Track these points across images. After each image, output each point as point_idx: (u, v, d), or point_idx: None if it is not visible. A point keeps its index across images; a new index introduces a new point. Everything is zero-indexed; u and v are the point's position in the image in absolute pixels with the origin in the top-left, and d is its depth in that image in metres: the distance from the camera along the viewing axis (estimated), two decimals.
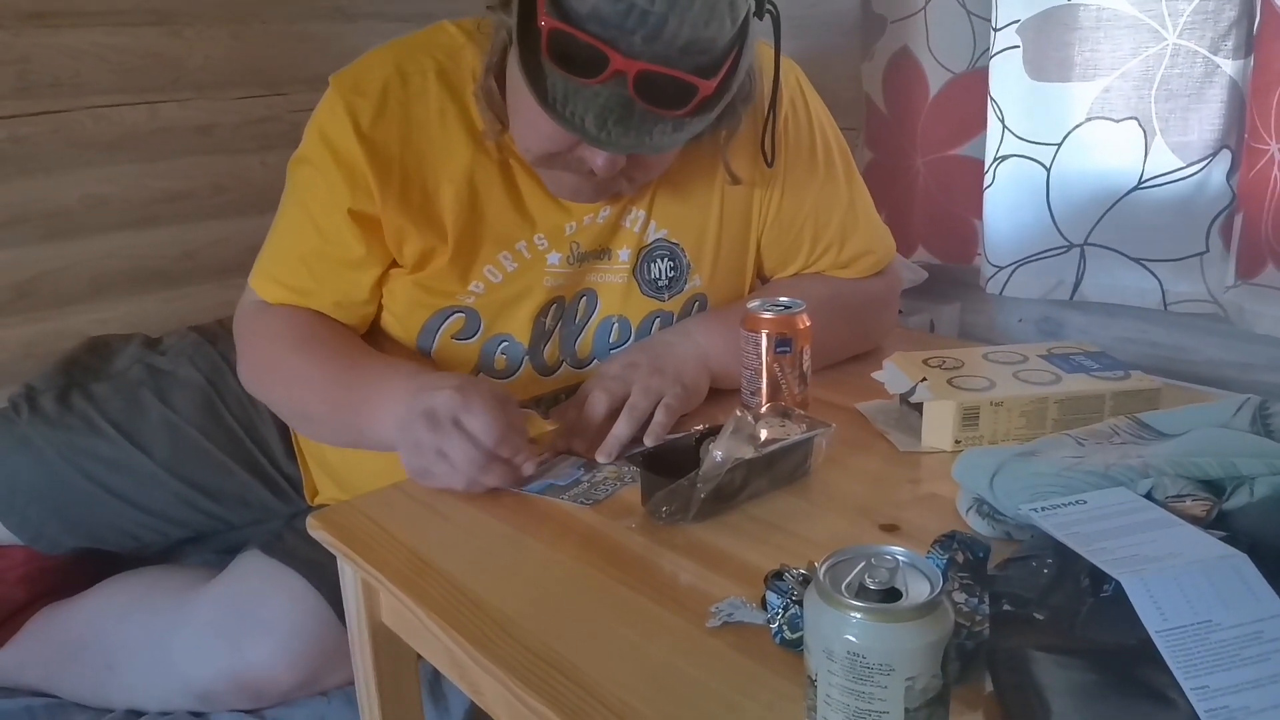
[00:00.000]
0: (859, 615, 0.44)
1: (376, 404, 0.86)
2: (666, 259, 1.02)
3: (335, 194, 0.91)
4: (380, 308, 0.99)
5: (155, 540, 1.13)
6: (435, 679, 1.02)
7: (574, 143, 0.84)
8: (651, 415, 0.90)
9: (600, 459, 0.87)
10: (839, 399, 0.99)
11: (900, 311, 1.27)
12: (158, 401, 1.10)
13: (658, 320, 1.04)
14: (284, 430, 1.12)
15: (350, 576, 0.81)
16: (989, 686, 0.56)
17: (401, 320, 0.98)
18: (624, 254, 1.00)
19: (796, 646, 0.59)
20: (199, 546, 1.17)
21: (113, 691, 1.00)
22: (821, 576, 0.47)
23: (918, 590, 0.46)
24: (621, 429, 0.88)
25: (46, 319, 1.44)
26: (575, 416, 0.92)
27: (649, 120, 0.80)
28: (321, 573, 0.95)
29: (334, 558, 0.81)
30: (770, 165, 0.98)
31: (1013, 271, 1.35)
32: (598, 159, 0.83)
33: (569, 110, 0.79)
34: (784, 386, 0.93)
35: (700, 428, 0.84)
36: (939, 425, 0.88)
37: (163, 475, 1.08)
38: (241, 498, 1.11)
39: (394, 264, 0.96)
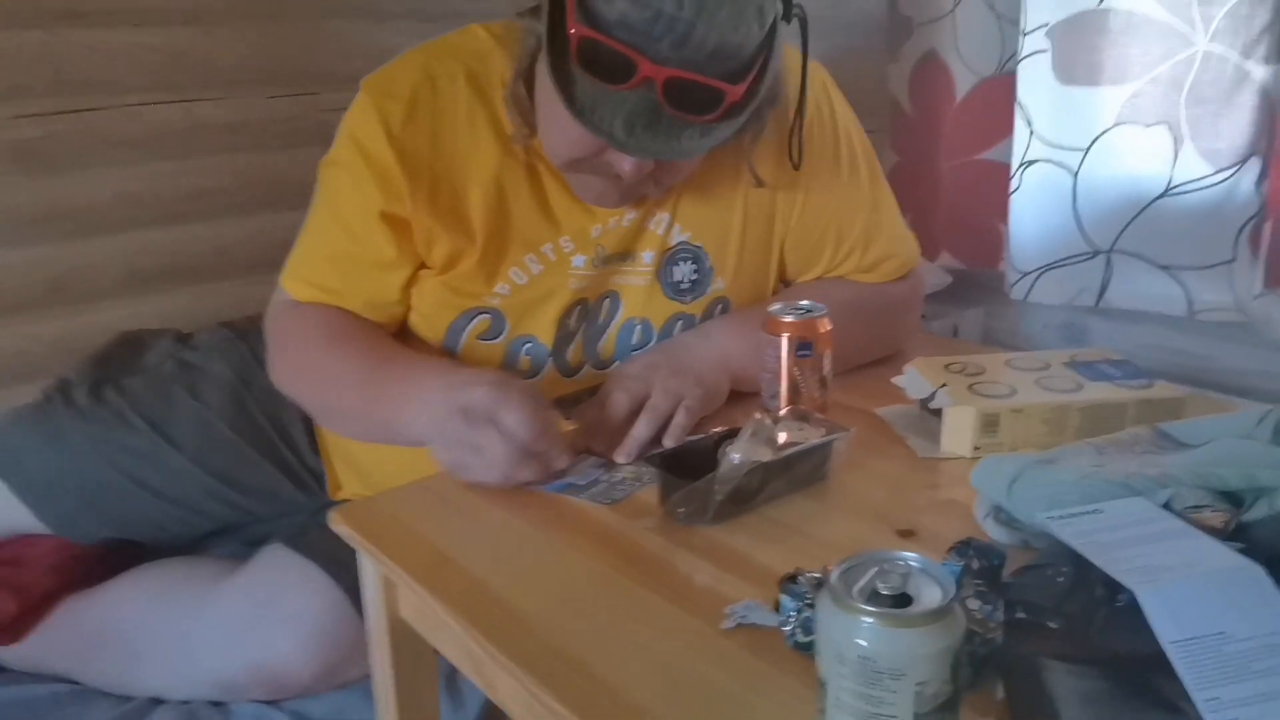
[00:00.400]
0: (870, 620, 0.44)
1: (409, 401, 0.87)
2: (690, 262, 1.02)
3: (367, 197, 0.92)
4: (408, 308, 1.00)
5: (182, 532, 1.15)
6: (452, 675, 1.03)
7: (601, 148, 0.84)
8: (671, 416, 0.91)
9: (619, 459, 0.88)
10: (859, 403, 0.99)
11: (923, 316, 1.26)
12: (188, 396, 1.12)
13: (680, 323, 1.04)
14: (310, 426, 1.14)
15: (370, 571, 0.82)
16: (1001, 693, 0.56)
17: (428, 320, 0.99)
18: (648, 256, 1.01)
19: (809, 649, 0.60)
20: (224, 538, 1.19)
21: (136, 680, 1.02)
22: (834, 581, 0.47)
23: (929, 596, 0.46)
24: (641, 430, 0.89)
25: (79, 314, 1.46)
26: (595, 416, 0.92)
27: (677, 126, 0.80)
28: (343, 567, 0.97)
29: (355, 553, 0.82)
30: (797, 168, 0.98)
31: (1038, 277, 1.34)
32: (625, 164, 0.84)
33: (597, 116, 0.80)
34: (804, 390, 0.93)
35: (719, 430, 0.85)
36: (959, 431, 0.88)
37: (192, 468, 1.10)
38: (268, 491, 1.13)
39: (423, 265, 0.97)
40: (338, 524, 0.81)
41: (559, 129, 0.85)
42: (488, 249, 0.95)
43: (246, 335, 1.18)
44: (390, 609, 0.82)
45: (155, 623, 1.02)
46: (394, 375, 0.91)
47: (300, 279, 1.00)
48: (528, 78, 0.89)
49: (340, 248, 0.96)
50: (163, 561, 1.12)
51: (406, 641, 0.83)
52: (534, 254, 0.97)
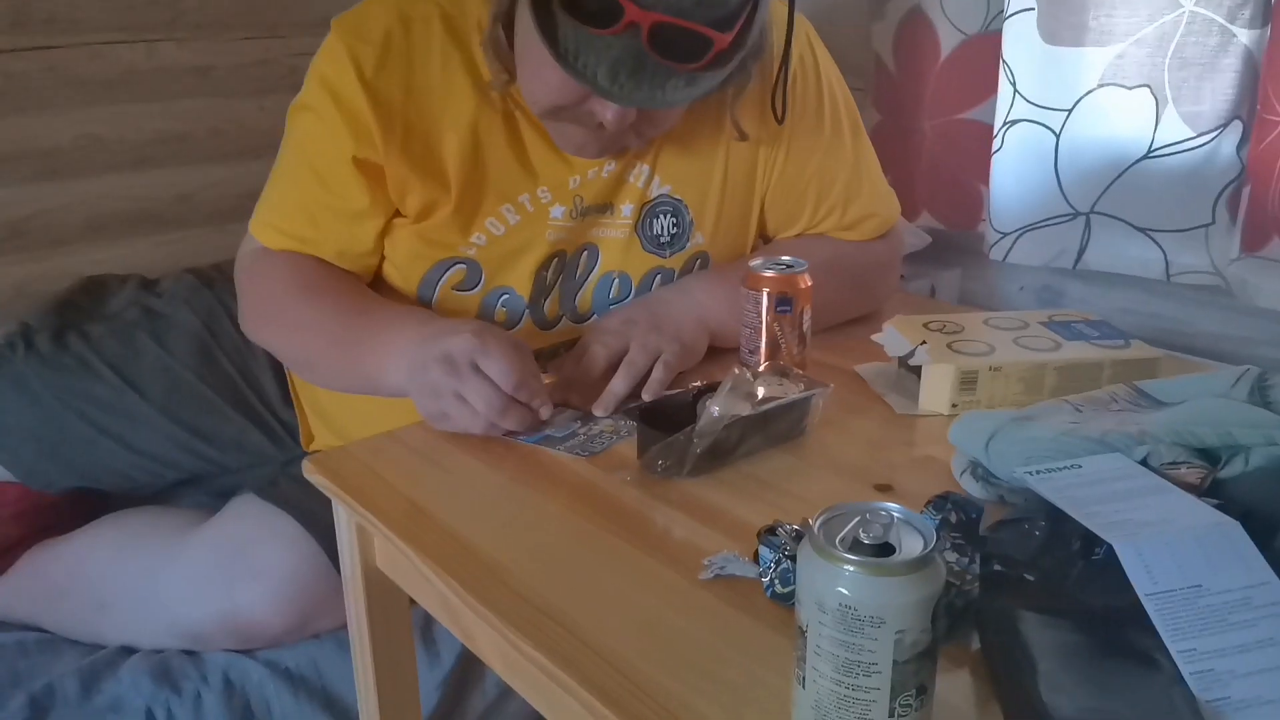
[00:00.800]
0: (852, 569, 0.44)
1: (388, 352, 0.86)
2: (669, 215, 1.01)
3: (338, 142, 0.90)
4: (382, 257, 0.98)
5: (150, 481, 1.13)
6: (427, 624, 1.03)
7: (583, 96, 0.82)
8: (649, 371, 0.90)
9: (597, 413, 0.87)
10: (838, 361, 0.99)
11: (901, 276, 1.26)
12: (154, 344, 1.10)
13: (659, 277, 1.03)
14: (280, 376, 1.12)
15: (345, 520, 0.81)
16: (976, 644, 0.56)
17: (402, 270, 0.97)
18: (626, 209, 1.00)
19: (787, 600, 0.60)
20: (193, 489, 1.17)
21: (104, 629, 1.01)
22: (816, 530, 0.47)
23: (911, 546, 0.46)
24: (619, 384, 0.88)
25: (40, 259, 1.43)
26: (573, 370, 0.91)
27: (662, 74, 0.79)
28: (314, 518, 0.96)
29: (328, 504, 0.81)
30: (781, 122, 0.97)
31: (1017, 238, 1.34)
32: (608, 112, 0.82)
33: (581, 62, 0.78)
34: (783, 346, 0.92)
35: (698, 384, 0.84)
36: (937, 389, 0.88)
37: (157, 418, 1.08)
38: (236, 442, 1.11)
39: (397, 214, 0.95)
40: (311, 473, 0.80)
41: (540, 75, 0.83)
42: (463, 199, 0.93)
43: (212, 283, 1.15)
44: (365, 558, 0.81)
45: (123, 571, 1.01)
46: (372, 326, 0.89)
47: (271, 226, 0.97)
48: (506, 22, 0.86)
49: (312, 195, 0.94)
50: (131, 510, 1.11)
51: (382, 591, 0.82)
52: (511, 204, 0.95)
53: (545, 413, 0.84)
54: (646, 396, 0.88)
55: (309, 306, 0.93)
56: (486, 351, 0.80)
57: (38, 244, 1.43)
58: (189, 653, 0.98)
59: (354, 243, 0.95)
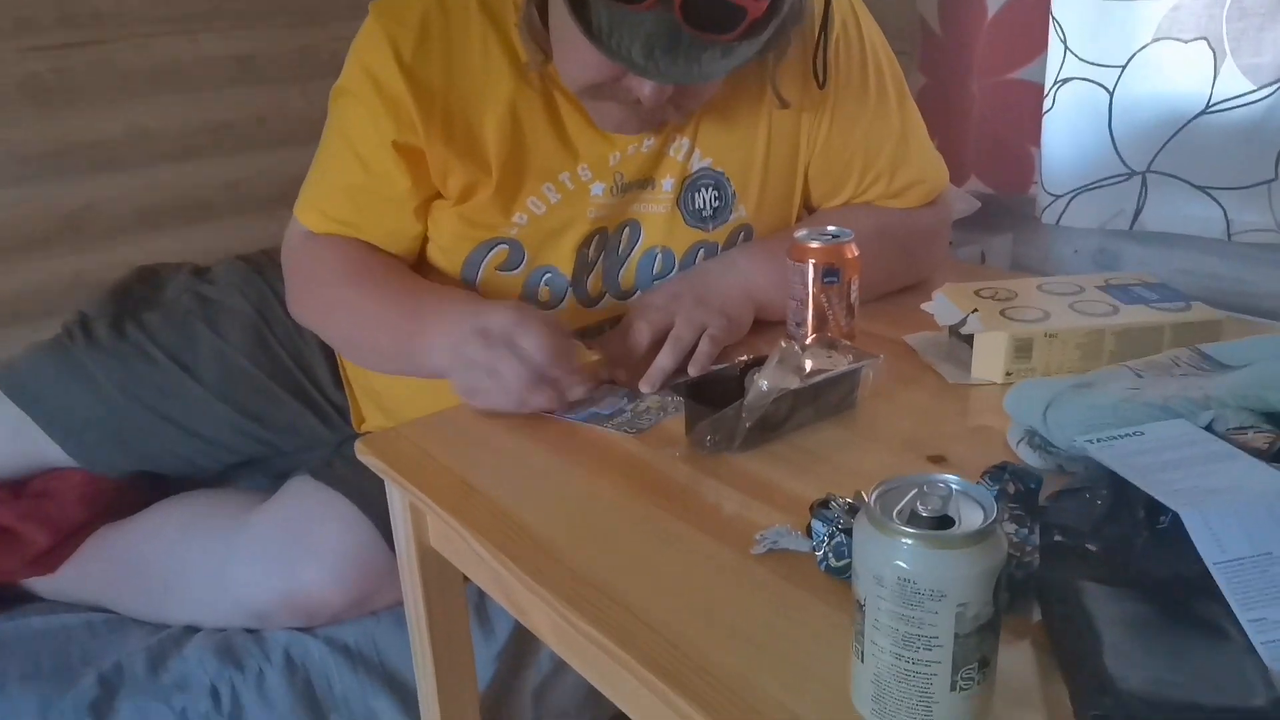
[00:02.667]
0: (910, 542, 0.44)
1: (430, 331, 0.86)
2: (711, 188, 1.00)
3: (379, 126, 0.90)
4: (425, 239, 0.99)
5: (208, 465, 1.16)
6: (481, 601, 1.04)
7: (620, 73, 0.82)
8: (695, 346, 0.90)
9: (644, 389, 0.87)
10: (887, 331, 0.98)
11: (950, 243, 1.23)
12: (208, 330, 1.12)
13: (702, 251, 1.02)
14: (331, 359, 1.14)
15: (398, 500, 0.82)
16: (1037, 616, 0.55)
17: (446, 252, 0.97)
18: (668, 184, 0.99)
19: (842, 574, 0.59)
20: (250, 471, 1.19)
21: (170, 608, 1.04)
22: (872, 503, 0.46)
23: (971, 518, 0.45)
24: (665, 359, 0.88)
25: (95, 250, 1.46)
26: (619, 347, 0.91)
27: (697, 47, 0.77)
28: (369, 498, 0.97)
29: (381, 484, 0.82)
30: (822, 87, 0.95)
31: (1070, 200, 1.30)
32: (644, 89, 0.81)
33: (614, 40, 0.77)
34: (830, 318, 0.91)
35: (745, 358, 0.83)
36: (990, 357, 0.86)
37: (214, 402, 1.10)
38: (290, 425, 1.13)
39: (438, 195, 0.95)
40: (364, 454, 0.81)
41: (575, 55, 0.83)
42: (504, 179, 0.93)
43: (263, 270, 1.17)
44: (419, 537, 0.82)
45: (186, 553, 1.03)
46: (415, 306, 0.90)
47: (316, 210, 0.98)
48: (540, 2, 0.86)
49: (355, 179, 0.94)
50: (192, 493, 1.13)
51: (436, 569, 0.83)
52: (552, 183, 0.95)
53: (578, 394, 0.84)
54: (693, 371, 0.88)
55: (353, 290, 0.94)
56: (525, 327, 0.80)
57: (92, 235, 1.46)
58: (251, 631, 1.00)
59: (398, 225, 0.96)
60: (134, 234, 1.50)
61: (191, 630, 1.02)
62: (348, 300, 0.95)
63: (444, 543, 0.81)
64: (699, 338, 0.90)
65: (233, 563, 1.00)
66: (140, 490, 1.15)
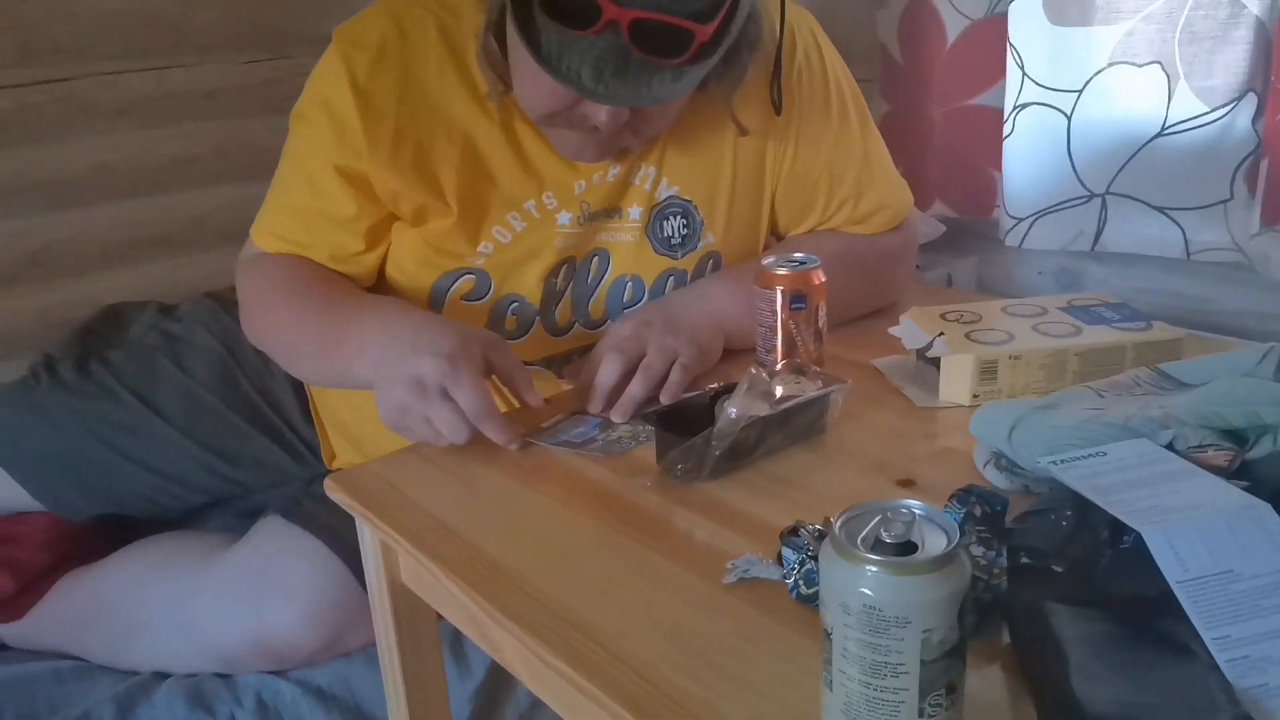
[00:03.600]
0: (875, 569, 0.44)
1: (354, 342, 0.86)
2: (679, 216, 1.01)
3: (325, 150, 0.91)
4: (386, 263, 0.99)
5: (175, 505, 1.14)
6: (456, 638, 1.03)
7: (574, 99, 0.82)
8: (666, 375, 0.90)
9: (615, 418, 0.87)
10: (855, 355, 0.98)
11: (917, 266, 1.25)
12: (174, 367, 1.11)
13: (671, 279, 1.03)
14: (301, 394, 1.13)
15: (369, 538, 0.81)
16: (1006, 639, 0.56)
17: (412, 279, 0.98)
18: (635, 212, 0.99)
19: (813, 601, 0.59)
20: (218, 511, 1.18)
21: (137, 655, 1.01)
22: (837, 531, 0.46)
23: (934, 543, 0.45)
24: (636, 388, 0.88)
25: (59, 288, 1.44)
26: (590, 376, 0.91)
27: (647, 71, 0.78)
28: (340, 537, 0.96)
29: (352, 522, 0.81)
30: (779, 114, 0.96)
31: (1032, 223, 1.32)
32: (600, 114, 0.82)
33: (565, 65, 0.77)
34: (799, 343, 0.92)
35: (715, 385, 0.84)
36: (956, 379, 0.87)
37: (181, 440, 1.09)
38: (259, 461, 1.12)
39: (393, 219, 0.96)
40: (333, 490, 0.80)
41: (530, 81, 0.83)
42: (467, 210, 0.93)
43: (230, 306, 1.16)
44: (390, 575, 0.81)
45: (154, 596, 1.01)
46: (342, 315, 0.90)
47: (267, 230, 0.99)
48: (498, 31, 0.86)
49: (303, 201, 0.95)
50: (159, 536, 1.11)
51: (408, 607, 0.83)
52: (516, 212, 0.95)
53: (513, 446, 0.83)
54: (664, 400, 0.88)
55: (291, 302, 0.94)
56: (458, 381, 0.78)
57: (56, 273, 1.44)
58: (222, 675, 0.99)
59: (344, 246, 0.97)
60: (99, 270, 1.48)
61: (161, 676, 0.99)
62: (284, 311, 0.95)
63: (416, 579, 0.80)
64: (670, 366, 0.90)
65: (199, 606, 0.99)
66: (106, 535, 1.13)
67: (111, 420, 1.08)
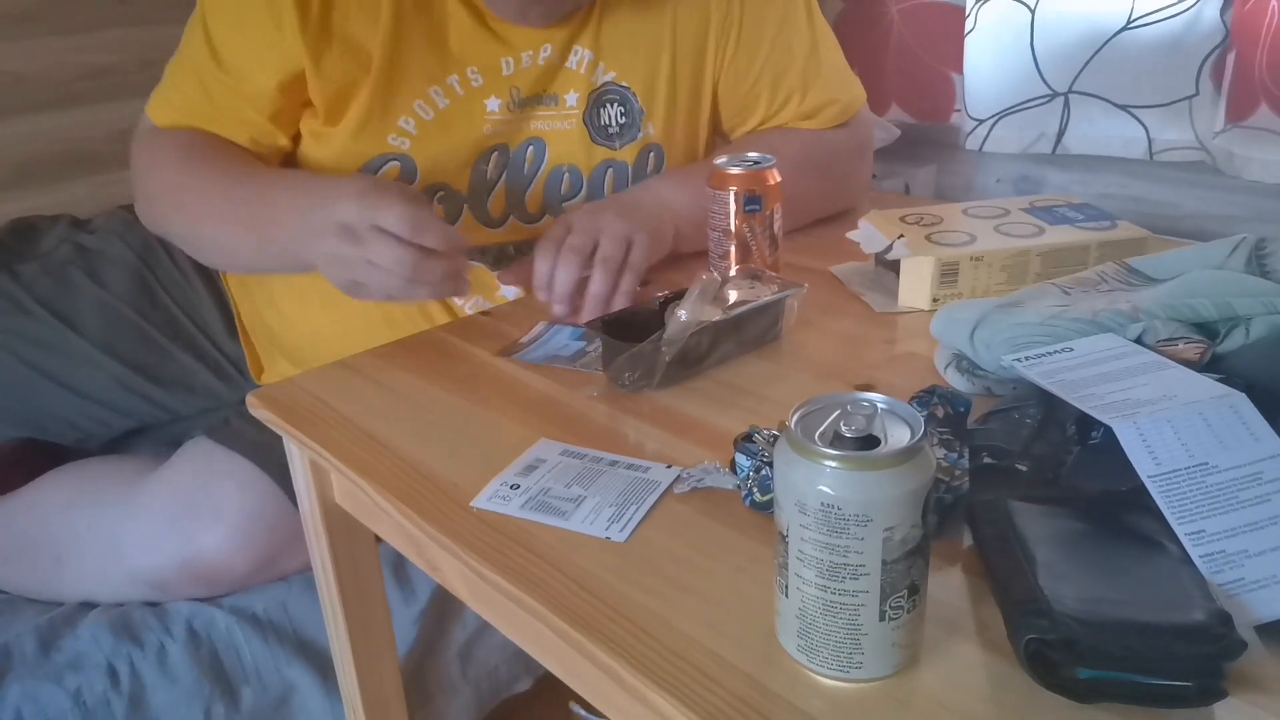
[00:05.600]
0: (834, 464, 0.40)
1: (279, 223, 0.81)
2: (617, 104, 0.95)
3: (242, 16, 0.84)
4: (300, 163, 0.93)
5: (98, 430, 1.08)
6: (399, 561, 1.00)
7: None
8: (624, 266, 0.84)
9: (583, 321, 0.82)
10: (812, 262, 0.94)
11: (874, 175, 1.20)
12: (89, 280, 1.04)
13: (610, 171, 0.97)
14: (226, 308, 1.07)
15: (298, 457, 0.77)
16: (968, 541, 0.53)
17: (331, 173, 0.91)
18: (571, 98, 0.94)
19: (767, 509, 0.56)
20: (147, 439, 1.12)
21: (63, 584, 0.96)
22: (793, 426, 0.42)
23: (897, 437, 0.41)
24: (599, 285, 0.81)
25: None
26: (546, 270, 0.84)
27: None
28: (271, 455, 0.91)
29: (283, 439, 0.77)
30: None
31: (993, 125, 1.28)
32: None
33: None
34: (754, 248, 0.87)
35: (666, 292, 0.79)
36: (917, 283, 0.84)
37: (98, 356, 1.02)
38: (183, 380, 1.06)
39: (305, 107, 0.90)
40: (256, 407, 0.75)
41: None
42: (386, 80, 0.87)
43: None
44: (323, 495, 0.77)
45: (78, 523, 0.96)
46: (257, 195, 0.84)
47: (164, 103, 0.92)
48: None
49: (210, 72, 0.88)
50: (83, 461, 1.05)
51: (344, 529, 0.79)
52: (439, 87, 0.89)
53: (459, 262, 0.77)
54: (623, 286, 0.82)
55: (199, 178, 0.88)
56: (379, 208, 0.73)
57: None
58: (151, 605, 0.94)
59: (250, 119, 0.90)
60: (11, 189, 1.39)
61: (87, 607, 0.95)
62: (194, 189, 0.88)
63: (349, 499, 0.76)
64: (626, 253, 0.84)
65: (126, 531, 0.94)
66: (31, 463, 1.07)
67: (24, 335, 1.01)
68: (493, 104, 0.91)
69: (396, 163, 0.91)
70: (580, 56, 0.93)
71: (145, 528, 0.93)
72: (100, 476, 1.01)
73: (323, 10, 0.84)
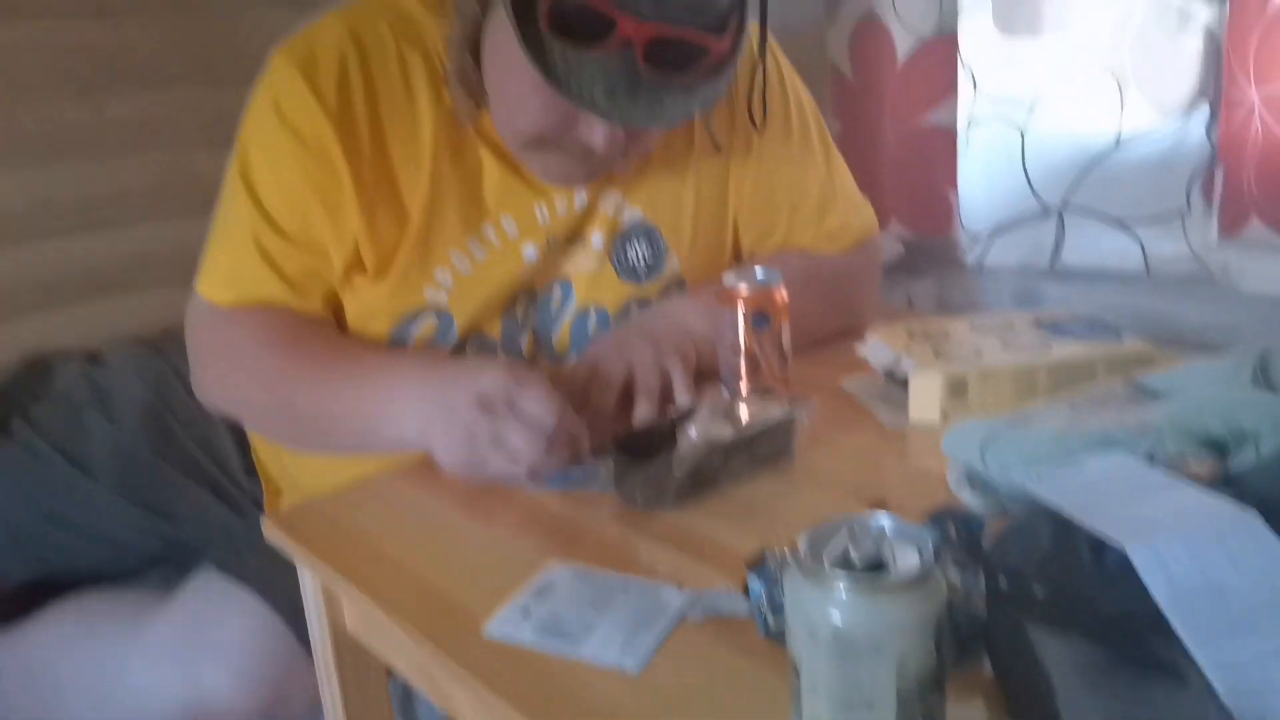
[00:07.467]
0: (843, 589, 0.40)
1: (393, 397, 0.78)
2: (644, 241, 0.97)
3: (306, 174, 0.83)
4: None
5: (111, 570, 1.06)
6: (407, 697, 0.97)
7: (570, 121, 0.78)
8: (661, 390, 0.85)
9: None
10: (822, 377, 0.95)
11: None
12: (104, 420, 1.04)
13: (636, 307, 0.99)
14: (243, 443, 1.06)
15: (310, 583, 0.76)
16: (988, 669, 0.52)
17: (367, 329, 0.90)
18: (596, 239, 0.95)
19: (781, 637, 0.55)
20: (157, 566, 1.11)
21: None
22: (802, 550, 0.42)
23: (906, 561, 0.41)
24: (643, 412, 0.83)
25: None
26: (579, 407, 0.83)
27: (658, 89, 0.75)
28: (280, 591, 0.90)
29: (293, 572, 0.76)
30: (758, 128, 0.92)
31: (991, 240, 1.31)
32: (597, 136, 0.78)
33: (575, 84, 0.73)
34: (764, 364, 0.88)
35: (678, 410, 0.80)
36: (926, 398, 0.84)
37: (114, 499, 1.02)
38: (198, 517, 1.05)
39: (356, 262, 0.88)
40: (270, 530, 0.75)
41: (522, 102, 0.79)
42: (426, 229, 0.86)
43: (162, 350, 1.10)
44: (334, 622, 0.76)
45: (81, 658, 0.94)
46: (369, 370, 0.82)
47: (221, 281, 0.87)
48: (473, 49, 0.82)
49: (269, 239, 0.85)
50: (87, 593, 1.04)
51: (354, 658, 0.77)
52: (475, 236, 0.89)
53: (586, 445, 0.77)
54: (681, 400, 0.84)
55: (285, 358, 0.84)
56: (522, 387, 0.73)
57: None
58: None
59: (323, 281, 0.87)
60: (33, 312, 1.42)
61: None
62: (278, 369, 0.84)
63: (361, 626, 0.75)
64: (662, 381, 0.85)
65: (129, 667, 0.92)
66: (35, 593, 1.06)
67: (38, 481, 1.01)
68: (529, 252, 0.91)
69: (433, 317, 0.90)
70: (609, 197, 0.94)
71: (148, 667, 0.91)
72: (104, 610, 1.00)
73: (373, 164, 0.84)
